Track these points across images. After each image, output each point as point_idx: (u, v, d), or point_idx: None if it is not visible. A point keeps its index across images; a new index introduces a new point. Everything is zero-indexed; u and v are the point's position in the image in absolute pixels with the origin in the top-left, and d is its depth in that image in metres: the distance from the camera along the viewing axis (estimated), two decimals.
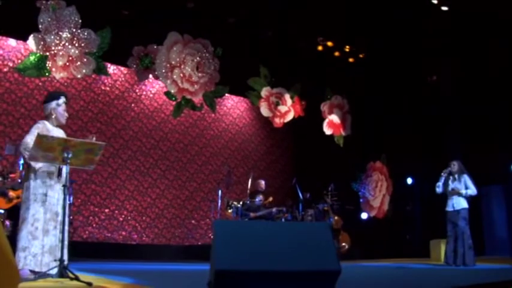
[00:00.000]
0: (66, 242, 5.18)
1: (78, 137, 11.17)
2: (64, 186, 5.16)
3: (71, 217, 9.71)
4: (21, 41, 10.39)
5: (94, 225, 11.38)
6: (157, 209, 12.28)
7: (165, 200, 12.45)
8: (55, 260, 5.10)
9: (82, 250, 10.70)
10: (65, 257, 5.11)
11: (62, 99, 5.70)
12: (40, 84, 10.85)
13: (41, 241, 5.23)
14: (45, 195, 5.35)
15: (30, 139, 5.27)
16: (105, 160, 11.62)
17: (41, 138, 5.10)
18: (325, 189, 12.15)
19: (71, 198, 9.23)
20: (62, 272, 4.94)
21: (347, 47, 12.78)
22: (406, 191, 14.39)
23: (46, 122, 5.59)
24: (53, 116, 5.64)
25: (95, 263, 9.29)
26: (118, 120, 11.97)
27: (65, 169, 5.25)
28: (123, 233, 11.73)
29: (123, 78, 12.05)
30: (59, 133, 5.60)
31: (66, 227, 5.23)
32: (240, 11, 11.12)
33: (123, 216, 11.76)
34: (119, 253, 11.20)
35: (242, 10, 11.06)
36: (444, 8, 10.90)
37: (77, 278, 4.86)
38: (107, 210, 11.56)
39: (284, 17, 11.38)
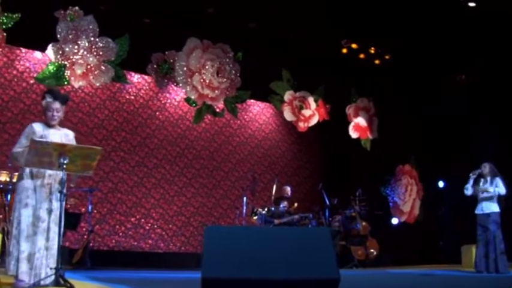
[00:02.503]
0: (55, 248, 4.89)
1: (104, 147, 11.26)
2: (60, 192, 4.91)
3: (92, 226, 9.59)
4: (46, 53, 10.36)
5: (120, 233, 11.21)
6: (183, 217, 12.04)
7: (192, 207, 12.21)
8: (51, 268, 4.85)
9: (108, 259, 10.59)
10: (53, 265, 4.83)
11: (45, 100, 5.27)
12: (65, 94, 10.78)
13: (20, 246, 4.89)
14: (28, 198, 5.02)
15: (17, 147, 5.05)
16: (130, 169, 11.48)
17: (35, 143, 4.86)
18: (352, 195, 11.70)
19: (90, 207, 9.07)
20: (58, 281, 4.70)
21: (372, 48, 12.34)
22: (437, 194, 13.79)
23: (36, 124, 5.26)
24: (45, 116, 5.30)
25: (120, 271, 9.11)
26: (143, 129, 11.81)
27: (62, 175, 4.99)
28: (150, 241, 11.53)
29: (147, 87, 11.89)
30: (51, 134, 5.24)
31: (56, 233, 4.95)
32: (260, 15, 10.82)
33: (149, 224, 11.56)
34: (145, 262, 11.00)
35: (262, 14, 10.75)
36: (471, 4, 10.36)
37: (72, 287, 4.63)
38: (133, 219, 11.38)
39: (306, 20, 11.01)
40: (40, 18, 9.35)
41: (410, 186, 13.64)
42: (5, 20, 9.08)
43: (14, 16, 9.15)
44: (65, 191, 4.98)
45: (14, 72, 10.35)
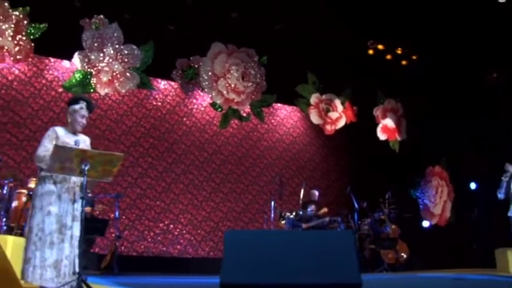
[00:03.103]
0: (76, 254, 4.88)
1: (132, 153, 11.33)
2: (82, 198, 4.90)
3: (119, 232, 9.63)
4: (72, 61, 10.47)
5: (149, 239, 11.24)
6: (212, 222, 12.01)
7: (220, 213, 12.17)
8: (73, 273, 4.83)
9: (138, 264, 10.63)
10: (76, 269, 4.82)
11: (80, 105, 5.23)
12: (93, 102, 10.87)
13: (43, 254, 4.81)
14: (52, 204, 4.95)
15: (41, 151, 5.01)
16: (158, 175, 11.51)
17: (58, 149, 4.83)
18: (381, 197, 11.48)
19: (117, 213, 9.10)
20: (80, 286, 4.68)
21: (399, 49, 12.11)
22: (469, 196, 13.42)
23: (59, 128, 5.21)
24: (69, 121, 5.26)
25: (148, 277, 9.12)
26: (170, 135, 11.83)
27: (83, 181, 4.96)
28: (179, 246, 11.52)
29: (173, 93, 11.92)
30: (73, 140, 5.19)
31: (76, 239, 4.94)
32: (284, 18, 10.73)
33: (178, 230, 11.56)
34: (174, 267, 10.99)
35: (286, 17, 10.66)
36: (501, 0, 10.07)
37: None
38: (161, 225, 11.40)
39: (331, 22, 10.88)
40: (66, 28, 9.45)
41: (441, 188, 13.31)
42: (32, 31, 9.22)
43: (41, 26, 9.28)
44: (72, 194, 5.00)
45: (43, 81, 10.51)
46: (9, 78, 10.19)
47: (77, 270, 4.79)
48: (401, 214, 11.66)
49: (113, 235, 9.96)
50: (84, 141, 5.37)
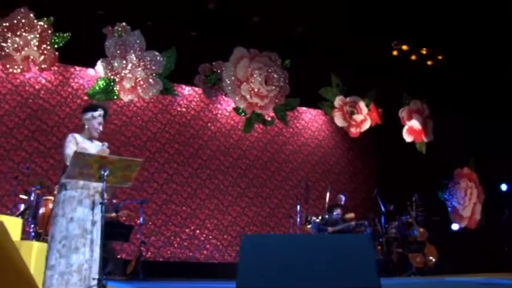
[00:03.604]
0: (95, 258, 4.93)
1: (157, 159, 11.39)
2: (101, 204, 4.92)
3: (144, 237, 9.68)
4: (95, 69, 10.59)
5: (176, 245, 11.26)
6: (238, 227, 11.98)
7: (246, 217, 12.13)
8: (93, 279, 4.85)
9: (164, 269, 10.66)
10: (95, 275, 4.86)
11: (99, 112, 5.30)
12: (118, 109, 10.99)
13: (69, 259, 4.88)
14: (74, 211, 5.00)
15: (70, 150, 5.04)
16: (184, 180, 11.54)
17: (77, 155, 4.87)
18: (408, 200, 11.27)
19: (142, 219, 9.13)
20: None
21: (424, 49, 11.91)
22: (500, 198, 13.09)
23: (76, 135, 5.26)
24: (86, 127, 5.29)
25: (174, 282, 9.13)
26: (195, 140, 11.85)
27: (102, 186, 4.99)
28: (205, 252, 11.52)
29: (198, 99, 11.94)
30: (89, 146, 5.23)
31: (98, 244, 4.97)
32: (306, 21, 10.67)
33: (204, 235, 11.56)
34: (201, 272, 10.99)
35: (308, 20, 10.59)
36: None
37: None
38: (187, 230, 11.41)
39: (354, 23, 10.77)
40: (90, 36, 9.58)
41: (470, 189, 13.01)
42: (56, 40, 9.36)
43: (65, 35, 9.42)
44: (92, 199, 5.03)
45: (69, 89, 10.65)
46: (36, 87, 10.36)
47: (97, 275, 4.83)
48: (429, 217, 11.43)
49: (139, 241, 10.04)
50: (100, 146, 5.41)
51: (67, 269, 4.85)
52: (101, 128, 5.34)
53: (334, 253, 3.98)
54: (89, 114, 5.30)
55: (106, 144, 5.33)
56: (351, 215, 10.77)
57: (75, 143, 5.16)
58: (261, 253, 3.93)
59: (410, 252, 10.69)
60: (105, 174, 4.90)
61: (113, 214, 8.53)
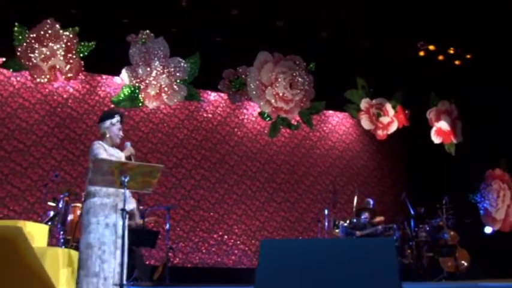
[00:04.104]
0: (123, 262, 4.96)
1: (184, 165, 11.43)
2: (122, 210, 4.94)
3: (171, 243, 9.71)
4: (120, 76, 10.70)
5: (204, 250, 11.27)
6: (266, 232, 11.92)
7: (274, 222, 12.07)
8: (115, 285, 4.87)
9: (193, 275, 10.68)
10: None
11: (116, 118, 5.37)
12: (145, 116, 11.08)
13: (110, 264, 5.01)
14: (108, 217, 5.09)
15: (102, 155, 5.09)
16: (211, 186, 11.55)
17: (98, 162, 4.91)
18: (438, 203, 11.05)
19: (168, 225, 9.16)
20: None
21: (451, 49, 11.67)
22: None
23: (101, 142, 5.31)
24: (107, 136, 5.34)
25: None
26: (222, 146, 11.87)
27: (125, 193, 5.02)
28: (233, 257, 11.50)
29: (224, 104, 11.95)
30: (116, 152, 5.32)
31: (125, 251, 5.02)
32: (330, 24, 10.58)
33: (232, 240, 11.55)
34: (229, 278, 10.97)
35: (333, 22, 10.51)
36: None
37: None
38: (215, 236, 11.41)
39: (378, 24, 10.64)
40: (114, 44, 9.70)
41: (503, 191, 12.64)
42: (82, 49, 9.50)
43: (90, 44, 9.56)
44: (126, 208, 5.04)
45: (97, 98, 10.78)
46: (64, 96, 10.52)
47: (123, 280, 4.87)
48: (460, 220, 11.18)
49: (168, 247, 10.10)
50: (120, 154, 5.46)
51: (110, 274, 4.97)
52: (121, 133, 5.41)
53: (355, 257, 3.88)
54: (107, 123, 5.36)
55: (129, 143, 5.42)
56: (380, 218, 10.64)
57: (104, 149, 5.23)
58: (279, 258, 3.85)
59: (441, 256, 10.47)
60: (126, 180, 4.92)
61: (139, 221, 8.57)
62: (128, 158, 5.32)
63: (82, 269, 5.02)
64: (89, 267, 4.99)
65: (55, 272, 5.62)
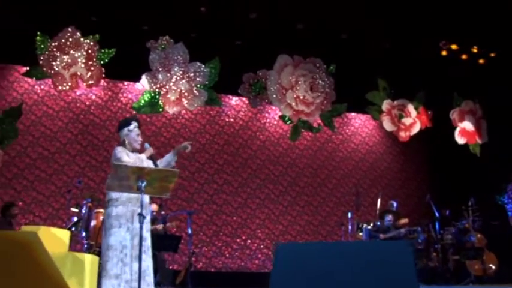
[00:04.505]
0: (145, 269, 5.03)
1: (207, 170, 11.44)
2: (140, 215, 4.95)
3: (193, 247, 9.72)
4: (140, 82, 10.76)
5: (227, 255, 11.26)
6: (290, 236, 11.86)
7: (298, 226, 12.00)
8: None
9: (216, 280, 10.67)
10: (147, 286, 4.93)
11: (133, 125, 5.48)
12: (167, 122, 11.13)
13: (132, 267, 5.06)
14: (130, 221, 5.18)
15: (126, 160, 5.19)
16: (234, 190, 11.55)
17: (115, 167, 4.95)
18: (464, 205, 10.82)
19: (190, 229, 9.17)
20: None
21: (474, 47, 11.44)
22: None
23: (123, 148, 5.43)
24: (127, 142, 5.45)
25: None
26: (244, 150, 11.86)
27: (142, 198, 5.03)
28: (257, 261, 11.46)
29: (245, 108, 11.95)
30: (137, 157, 5.40)
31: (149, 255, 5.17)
32: (350, 26, 10.49)
33: (255, 245, 11.51)
34: (253, 282, 10.90)
35: (352, 24, 10.41)
36: None
37: None
38: (239, 240, 11.39)
39: (399, 25, 10.49)
40: (134, 51, 9.78)
41: None
42: (102, 56, 9.60)
43: (110, 51, 9.65)
44: (144, 213, 5.05)
45: (119, 104, 10.89)
46: (87, 103, 10.65)
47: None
48: (487, 222, 10.92)
49: (190, 251, 10.11)
50: (141, 159, 5.50)
51: (132, 277, 5.03)
52: (139, 138, 5.51)
53: (371, 261, 3.80)
54: (125, 130, 5.49)
55: (148, 143, 5.53)
56: (404, 220, 10.48)
57: (126, 154, 5.33)
58: (295, 262, 3.80)
59: (468, 259, 10.24)
60: (143, 185, 4.93)
61: (160, 226, 8.61)
62: (150, 158, 5.41)
63: (103, 271, 5.11)
64: (110, 269, 5.06)
65: (77, 276, 5.69)
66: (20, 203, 9.79)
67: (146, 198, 5.26)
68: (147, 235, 5.21)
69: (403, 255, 3.83)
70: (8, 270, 3.33)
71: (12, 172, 9.97)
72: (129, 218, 5.17)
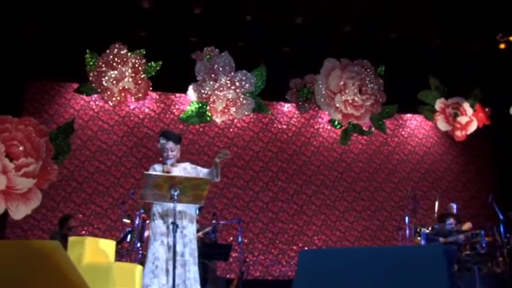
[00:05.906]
0: (189, 277, 5.10)
1: (261, 178, 11.32)
2: (173, 223, 4.92)
3: (247, 256, 9.60)
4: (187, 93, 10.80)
5: (284, 262, 11.06)
6: (347, 242, 11.51)
7: (356, 232, 11.64)
8: None
9: None
10: None
11: (160, 142, 5.53)
12: (220, 131, 11.11)
13: (160, 280, 5.06)
14: (163, 235, 5.18)
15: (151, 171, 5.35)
16: (289, 197, 11.36)
17: (146, 176, 5.00)
18: None
19: (240, 237, 9.06)
20: None
21: None
22: None
23: (156, 165, 5.55)
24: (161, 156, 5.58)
25: None
26: (298, 156, 11.66)
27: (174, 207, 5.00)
28: None
29: (298, 114, 11.75)
30: (167, 169, 5.39)
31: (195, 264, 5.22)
32: (399, 25, 10.12)
33: None
34: None
35: (401, 23, 10.04)
36: None
37: None
38: (295, 247, 11.17)
39: (450, 20, 10.02)
40: (181, 62, 9.84)
41: None
42: (149, 70, 9.72)
43: (156, 64, 9.76)
44: (178, 222, 5.02)
45: (171, 116, 10.97)
46: (141, 116, 10.80)
47: None
48: None
49: (246, 260, 10.03)
50: (184, 169, 5.51)
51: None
52: (167, 153, 5.48)
53: (399, 266, 3.56)
54: (159, 144, 5.58)
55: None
56: (469, 225, 9.95)
57: (153, 168, 5.48)
58: (319, 268, 3.63)
59: None
60: (176, 194, 4.91)
61: (200, 233, 8.55)
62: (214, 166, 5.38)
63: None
64: (144, 279, 5.17)
65: (124, 286, 5.77)
66: (80, 216, 10.05)
67: (189, 209, 5.31)
68: (184, 249, 5.18)
69: (434, 260, 3.56)
70: (29, 278, 3.33)
71: (71, 186, 10.24)
72: (163, 232, 5.20)
